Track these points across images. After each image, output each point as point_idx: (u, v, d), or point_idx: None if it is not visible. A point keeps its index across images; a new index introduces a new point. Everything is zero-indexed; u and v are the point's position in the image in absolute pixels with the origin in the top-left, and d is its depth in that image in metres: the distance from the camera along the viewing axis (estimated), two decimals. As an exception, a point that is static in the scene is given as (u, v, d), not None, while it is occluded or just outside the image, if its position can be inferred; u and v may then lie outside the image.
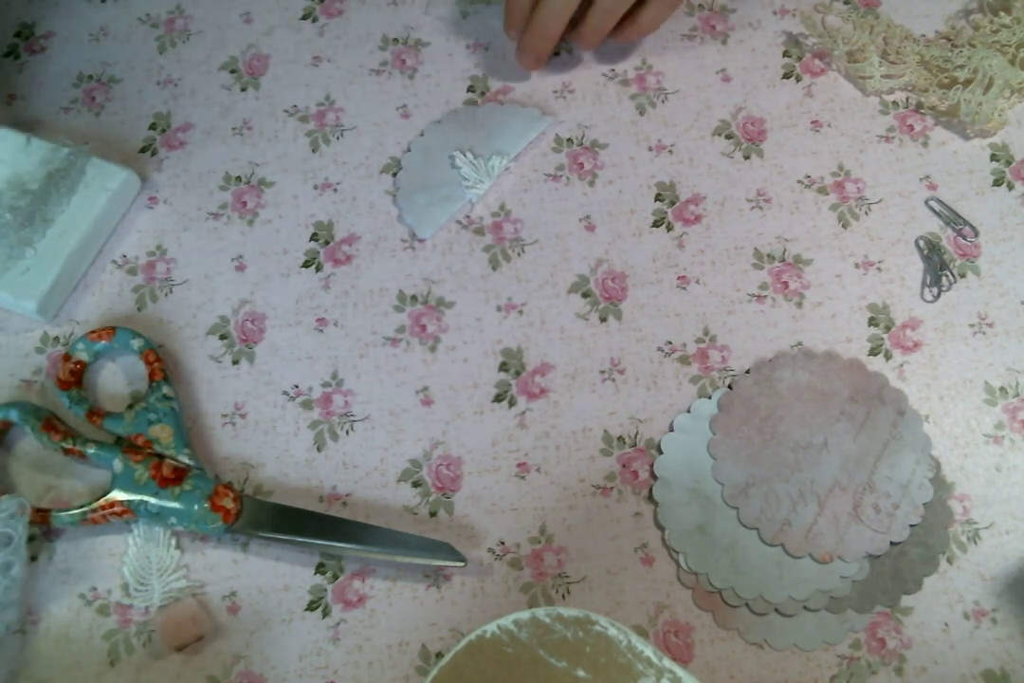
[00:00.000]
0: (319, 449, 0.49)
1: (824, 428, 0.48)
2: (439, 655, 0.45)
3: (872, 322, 0.51)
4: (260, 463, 0.49)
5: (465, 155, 0.54)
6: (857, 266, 0.52)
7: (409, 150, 0.55)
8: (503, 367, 0.51)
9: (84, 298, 0.53)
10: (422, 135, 0.55)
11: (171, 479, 0.46)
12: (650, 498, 0.48)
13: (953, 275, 0.52)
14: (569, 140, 0.55)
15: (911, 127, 0.55)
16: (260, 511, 0.47)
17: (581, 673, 0.37)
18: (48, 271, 0.50)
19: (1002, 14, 0.56)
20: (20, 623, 0.46)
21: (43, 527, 0.47)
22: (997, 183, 0.54)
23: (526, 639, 0.37)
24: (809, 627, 0.45)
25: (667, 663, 0.37)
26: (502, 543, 0.47)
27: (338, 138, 0.56)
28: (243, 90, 0.57)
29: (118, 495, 0.46)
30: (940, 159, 0.54)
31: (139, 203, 0.55)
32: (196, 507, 0.46)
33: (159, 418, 0.48)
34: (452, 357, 0.51)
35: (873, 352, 0.50)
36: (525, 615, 0.38)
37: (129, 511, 0.46)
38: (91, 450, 0.47)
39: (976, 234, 0.52)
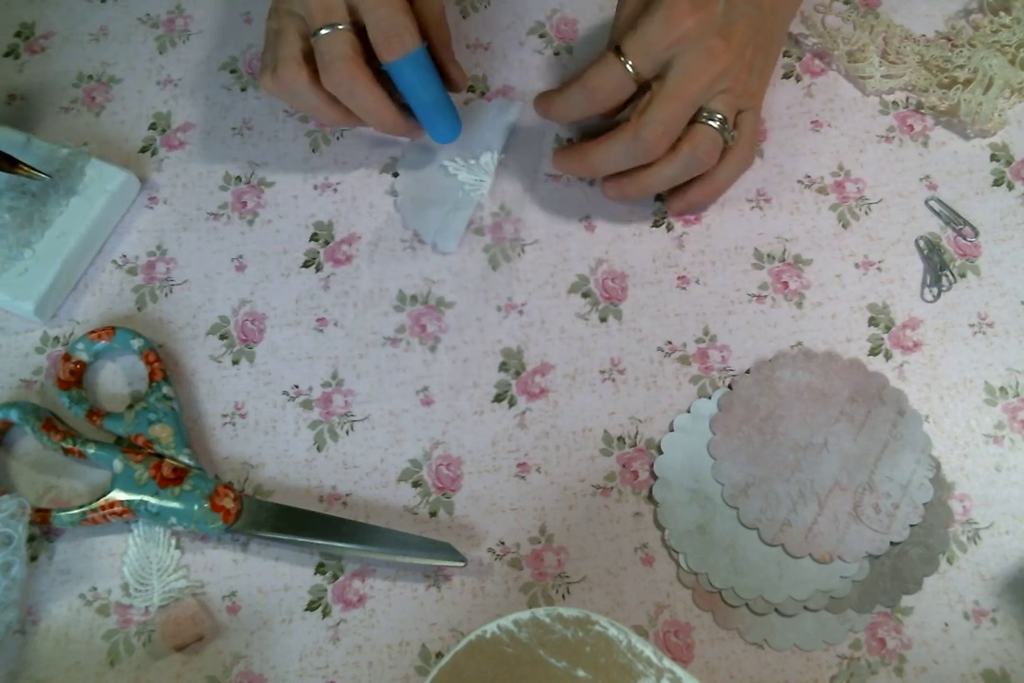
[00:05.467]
0: (319, 449, 0.49)
1: (824, 428, 0.48)
2: (439, 655, 0.45)
3: (872, 322, 0.51)
4: (260, 463, 0.49)
5: (455, 161, 0.54)
6: (857, 266, 0.52)
7: (397, 175, 0.55)
8: (503, 367, 0.51)
9: (84, 298, 0.53)
10: (403, 156, 0.55)
11: (171, 479, 0.46)
12: (650, 498, 0.48)
13: (953, 275, 0.52)
14: (569, 140, 0.55)
15: (911, 127, 0.55)
16: (260, 511, 0.47)
17: (581, 673, 0.37)
18: (46, 272, 0.50)
19: (1002, 14, 0.56)
20: (20, 623, 0.46)
21: (43, 527, 0.47)
22: (997, 183, 0.54)
23: (526, 639, 0.37)
24: (809, 627, 0.45)
25: (667, 663, 0.37)
26: (502, 543, 0.47)
27: (338, 138, 0.56)
28: (243, 90, 0.57)
29: (118, 495, 0.46)
30: (940, 159, 0.54)
31: (139, 203, 0.55)
32: (196, 507, 0.46)
33: (159, 418, 0.48)
34: (452, 357, 0.51)
35: (873, 352, 0.50)
36: (525, 615, 0.38)
37: (129, 511, 0.46)
38: (91, 450, 0.47)
39: (976, 234, 0.52)
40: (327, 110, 0.49)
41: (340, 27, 0.46)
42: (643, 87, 0.48)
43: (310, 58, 0.48)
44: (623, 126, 0.48)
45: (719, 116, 0.48)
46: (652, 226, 0.53)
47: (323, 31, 0.46)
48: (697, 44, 0.47)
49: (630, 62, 0.47)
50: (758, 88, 0.51)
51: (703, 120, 0.48)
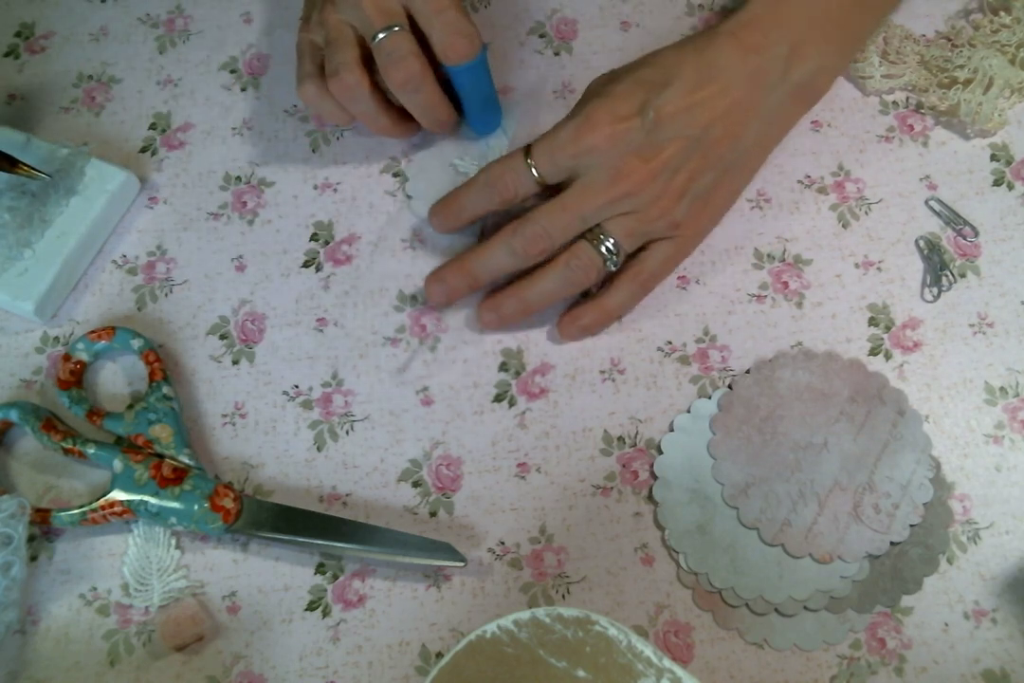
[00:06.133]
0: (319, 449, 0.49)
1: (824, 428, 0.48)
2: (439, 655, 0.45)
3: (872, 322, 0.51)
4: (260, 463, 0.49)
5: (463, 160, 0.54)
6: (857, 266, 0.52)
7: (397, 175, 0.55)
8: (503, 367, 0.51)
9: (84, 298, 0.53)
10: (410, 159, 0.55)
11: (171, 479, 0.46)
12: (650, 498, 0.48)
13: (953, 275, 0.52)
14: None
15: (911, 127, 0.55)
16: (260, 511, 0.47)
17: (581, 673, 0.37)
18: (46, 272, 0.50)
19: (1002, 14, 0.56)
20: (20, 623, 0.46)
21: (43, 527, 0.47)
22: (997, 183, 0.54)
23: (526, 639, 0.37)
24: (809, 627, 0.45)
25: (667, 663, 0.37)
26: (502, 543, 0.47)
27: (338, 138, 0.56)
28: (243, 90, 0.57)
29: (118, 495, 0.46)
30: (940, 159, 0.54)
31: (139, 203, 0.55)
32: (196, 507, 0.46)
33: (159, 418, 0.48)
34: (452, 357, 0.51)
35: (873, 352, 0.50)
36: (525, 615, 0.38)
37: (129, 511, 0.46)
38: (91, 450, 0.47)
39: (976, 234, 0.52)
40: (381, 116, 0.50)
41: (397, 28, 0.47)
42: (557, 187, 0.47)
43: (367, 64, 0.48)
44: (507, 226, 0.47)
45: (610, 240, 0.46)
46: (652, 226, 0.53)
47: (382, 34, 0.46)
48: (605, 160, 0.45)
49: (535, 166, 0.46)
50: (689, 219, 0.48)
51: (590, 238, 0.47)
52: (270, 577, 0.47)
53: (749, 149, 0.49)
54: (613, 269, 0.48)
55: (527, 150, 0.47)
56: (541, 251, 0.47)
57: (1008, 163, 0.54)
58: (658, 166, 0.45)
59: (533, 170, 0.46)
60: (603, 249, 0.47)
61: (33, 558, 0.47)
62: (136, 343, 0.50)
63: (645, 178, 0.45)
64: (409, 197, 0.54)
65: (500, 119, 0.52)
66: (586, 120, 0.45)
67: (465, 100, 0.50)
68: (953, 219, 0.53)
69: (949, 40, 0.56)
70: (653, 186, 0.45)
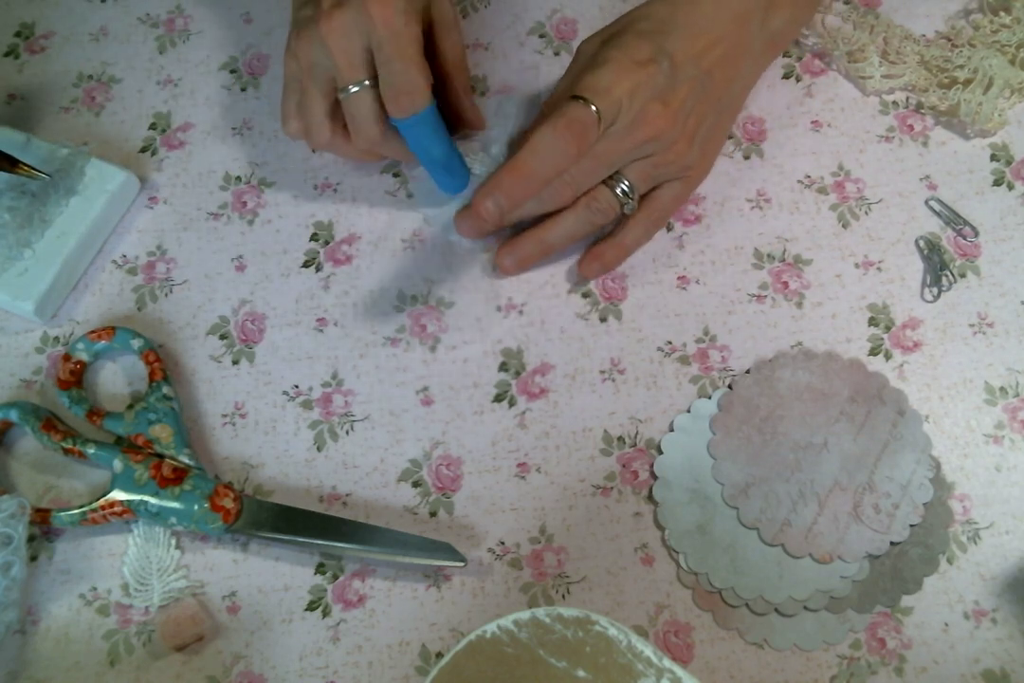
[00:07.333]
0: (319, 449, 0.49)
1: (824, 428, 0.48)
2: (439, 655, 0.45)
3: (872, 322, 0.51)
4: (260, 463, 0.49)
5: (468, 156, 0.54)
6: (857, 266, 0.52)
7: (397, 175, 0.54)
8: (503, 367, 0.51)
9: (84, 298, 0.53)
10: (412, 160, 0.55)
11: (171, 479, 0.46)
12: (650, 498, 0.48)
13: (953, 275, 0.52)
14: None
15: (911, 127, 0.55)
16: (260, 511, 0.47)
17: (581, 673, 0.37)
18: (46, 272, 0.50)
19: (1002, 14, 0.56)
20: (20, 623, 0.46)
21: (43, 527, 0.47)
22: (997, 183, 0.54)
23: (526, 639, 0.37)
24: (809, 627, 0.45)
25: (667, 663, 0.37)
26: (502, 543, 0.47)
27: (338, 138, 0.56)
28: (243, 90, 0.57)
29: (118, 495, 0.46)
30: (940, 159, 0.54)
31: (139, 203, 0.55)
32: (196, 507, 0.46)
33: (159, 418, 0.48)
34: (452, 357, 0.51)
35: (873, 352, 0.50)
36: (525, 615, 0.38)
37: (129, 511, 0.46)
38: (91, 450, 0.47)
39: (976, 234, 0.52)
40: (360, 156, 0.51)
41: (366, 83, 0.46)
42: None
43: (337, 110, 0.48)
44: None
45: (625, 183, 0.48)
46: (652, 226, 0.53)
47: (352, 88, 0.46)
48: (633, 105, 0.45)
49: (594, 104, 0.44)
50: (699, 160, 0.49)
51: (609, 182, 0.48)
52: (270, 577, 0.47)
53: (739, 91, 0.52)
54: (628, 213, 0.50)
55: (578, 99, 0.44)
56: (567, 199, 0.48)
57: (1008, 163, 0.54)
58: (676, 110, 0.46)
59: (594, 109, 0.44)
60: (619, 192, 0.48)
61: (33, 558, 0.47)
62: (136, 343, 0.50)
63: (668, 122, 0.46)
64: (411, 196, 0.54)
65: (466, 180, 0.50)
66: (618, 64, 0.45)
67: (419, 156, 0.49)
68: (953, 219, 0.53)
69: (949, 40, 0.56)
70: (672, 130, 0.47)
